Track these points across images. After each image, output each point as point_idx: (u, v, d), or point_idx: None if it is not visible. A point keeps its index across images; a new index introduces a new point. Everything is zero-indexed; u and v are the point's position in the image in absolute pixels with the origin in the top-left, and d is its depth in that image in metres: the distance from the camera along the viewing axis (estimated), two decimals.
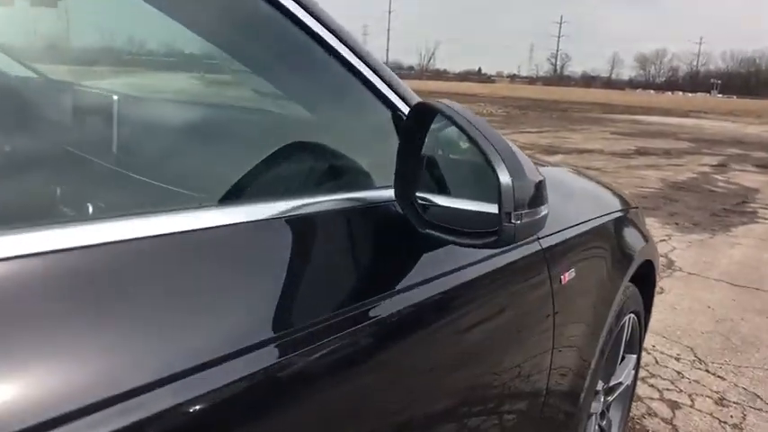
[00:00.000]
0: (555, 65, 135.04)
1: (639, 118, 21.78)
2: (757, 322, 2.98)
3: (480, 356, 0.85)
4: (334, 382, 0.60)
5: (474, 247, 0.71)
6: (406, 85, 0.80)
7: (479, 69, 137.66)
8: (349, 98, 0.78)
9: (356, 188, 0.75)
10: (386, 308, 0.68)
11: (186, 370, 0.47)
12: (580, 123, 17.29)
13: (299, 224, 0.67)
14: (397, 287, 0.71)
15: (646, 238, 1.62)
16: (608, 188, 1.76)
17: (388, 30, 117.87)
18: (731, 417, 2.08)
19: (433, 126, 0.73)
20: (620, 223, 1.44)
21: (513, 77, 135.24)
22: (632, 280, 1.51)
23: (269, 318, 0.56)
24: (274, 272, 0.60)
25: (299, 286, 0.62)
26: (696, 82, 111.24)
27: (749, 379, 2.37)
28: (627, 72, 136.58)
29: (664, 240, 4.48)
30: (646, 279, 1.63)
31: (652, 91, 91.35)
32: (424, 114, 0.73)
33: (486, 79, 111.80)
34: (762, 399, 2.21)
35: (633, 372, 1.71)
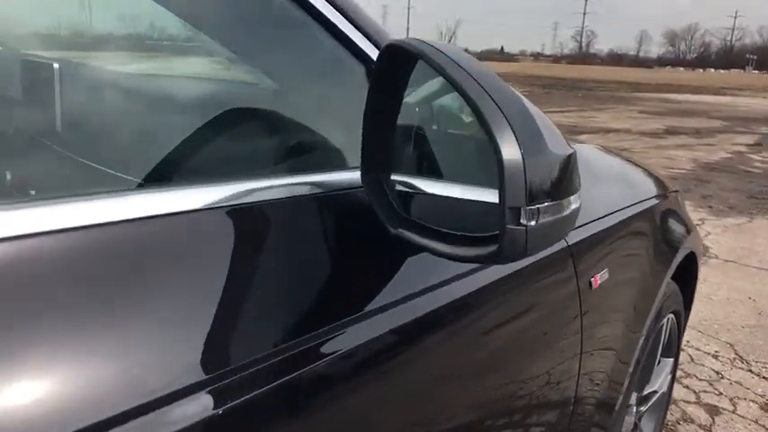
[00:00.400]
0: (580, 42, 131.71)
1: (669, 96, 21.03)
2: None
3: (497, 368, 0.69)
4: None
5: (459, 259, 0.51)
6: (386, 31, 0.61)
7: (502, 48, 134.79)
8: (310, 51, 0.59)
9: (321, 169, 0.57)
10: (388, 321, 0.52)
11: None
12: (606, 102, 16.73)
13: (244, 216, 0.50)
14: (395, 298, 0.54)
15: (688, 227, 1.40)
16: (643, 169, 1.54)
17: (408, 9, 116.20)
18: None
19: (413, 78, 0.53)
20: (659, 211, 1.23)
21: (536, 56, 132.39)
22: (673, 276, 1.31)
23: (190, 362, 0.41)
24: (208, 285, 0.44)
25: (244, 302, 0.45)
26: (730, 58, 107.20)
27: None
28: (655, 49, 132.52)
29: (697, 225, 4.20)
30: (687, 274, 1.43)
31: (681, 68, 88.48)
32: (399, 59, 0.53)
33: (510, 58, 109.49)
34: None
35: (669, 377, 1.51)
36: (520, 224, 0.44)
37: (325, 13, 0.56)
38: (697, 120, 12.56)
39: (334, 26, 0.58)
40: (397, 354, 0.54)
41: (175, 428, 0.37)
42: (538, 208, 0.45)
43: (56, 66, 0.87)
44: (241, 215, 0.49)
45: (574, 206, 0.50)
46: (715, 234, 4.00)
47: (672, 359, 1.50)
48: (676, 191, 1.52)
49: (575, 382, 0.89)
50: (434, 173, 0.57)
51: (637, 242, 1.06)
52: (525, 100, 0.50)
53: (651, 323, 1.13)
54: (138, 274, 0.42)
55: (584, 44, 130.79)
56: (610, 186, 1.11)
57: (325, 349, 0.47)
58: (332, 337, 0.48)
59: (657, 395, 1.44)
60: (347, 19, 0.58)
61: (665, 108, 15.59)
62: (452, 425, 0.63)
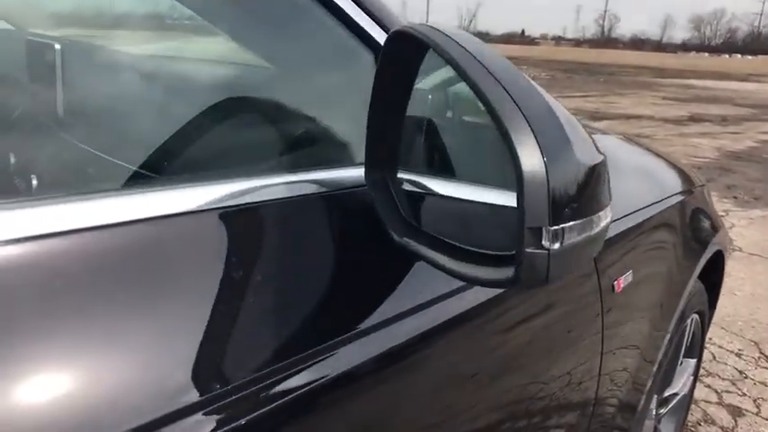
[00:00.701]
0: (602, 26, 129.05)
1: (693, 82, 20.52)
2: None
3: (516, 369, 0.66)
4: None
5: (470, 281, 0.46)
6: (396, 15, 0.55)
7: (523, 32, 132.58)
8: (307, 35, 0.54)
9: (325, 165, 0.52)
10: (399, 330, 0.48)
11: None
12: (629, 88, 16.39)
13: (243, 217, 0.45)
14: (405, 307, 0.50)
15: (716, 223, 1.33)
16: (668, 161, 1.46)
17: None
18: None
19: (424, 66, 0.48)
20: (686, 207, 1.17)
21: (558, 39, 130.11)
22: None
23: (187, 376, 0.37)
24: (201, 293, 0.41)
25: (241, 314, 0.42)
26: (757, 44, 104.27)
27: None
28: (679, 34, 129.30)
29: (721, 216, 4.09)
30: (713, 273, 1.36)
31: (707, 54, 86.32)
32: (408, 48, 0.47)
33: (530, 41, 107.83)
34: None
35: (692, 378, 1.46)
36: (541, 247, 0.39)
37: (338, 2, 0.51)
38: (722, 107, 12.24)
39: (341, 10, 0.52)
40: (412, 361, 0.50)
41: None
42: (563, 228, 0.39)
43: (57, 46, 0.83)
44: (239, 217, 0.45)
45: (604, 222, 0.44)
46: (740, 226, 3.89)
47: (695, 360, 1.44)
48: (703, 185, 1.45)
49: (596, 383, 0.84)
50: (447, 171, 0.52)
51: (663, 240, 1.00)
52: (551, 98, 0.44)
53: (676, 323, 1.07)
54: (127, 282, 0.38)
55: (606, 28, 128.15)
56: (634, 181, 1.04)
57: (327, 364, 0.43)
58: (333, 353, 0.44)
59: (678, 397, 1.39)
60: (354, 2, 0.52)
61: (690, 94, 15.21)
62: (472, 427, 0.59)
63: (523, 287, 0.43)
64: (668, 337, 1.03)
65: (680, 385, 1.38)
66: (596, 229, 0.43)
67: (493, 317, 0.60)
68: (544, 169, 0.38)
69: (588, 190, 0.41)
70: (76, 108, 0.76)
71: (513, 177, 0.39)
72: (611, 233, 0.81)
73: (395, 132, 0.49)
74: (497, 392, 0.63)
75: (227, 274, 0.42)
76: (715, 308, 1.52)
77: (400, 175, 0.50)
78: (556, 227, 0.39)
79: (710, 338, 2.32)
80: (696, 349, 1.43)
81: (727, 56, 79.30)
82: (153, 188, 0.44)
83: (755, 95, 16.02)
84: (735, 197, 4.70)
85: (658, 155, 1.50)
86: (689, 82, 20.61)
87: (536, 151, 0.38)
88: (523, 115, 0.39)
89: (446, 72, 0.52)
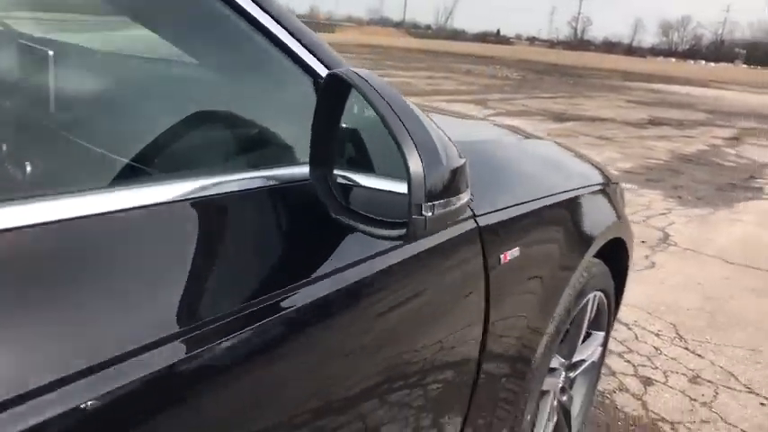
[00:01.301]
0: (575, 29, 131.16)
1: (658, 87, 21.22)
2: (746, 301, 2.95)
3: (405, 336, 0.83)
4: (244, 377, 0.59)
5: (380, 238, 0.67)
6: (332, 50, 0.76)
7: (498, 31, 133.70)
8: (263, 63, 0.74)
9: (270, 165, 0.71)
10: (303, 297, 0.65)
11: (84, 370, 0.46)
12: (597, 90, 16.88)
13: (202, 208, 0.62)
14: (314, 275, 0.68)
15: (619, 215, 1.57)
16: (588, 162, 1.71)
17: None
18: (702, 395, 2.07)
19: (355, 94, 0.68)
20: (588, 198, 1.40)
21: (532, 40, 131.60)
22: (602, 258, 1.48)
23: (167, 315, 0.54)
24: (173, 263, 0.57)
25: (200, 279, 0.59)
26: (720, 51, 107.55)
27: (728, 358, 2.35)
28: (649, 39, 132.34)
29: (663, 214, 4.41)
30: (617, 257, 1.60)
31: (673, 59, 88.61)
32: (339, 84, 0.68)
33: (506, 41, 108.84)
34: (737, 378, 2.20)
35: (600, 348, 1.70)
36: (421, 215, 0.61)
37: (280, 36, 0.71)
38: (682, 111, 12.77)
39: (288, 47, 0.72)
40: (296, 337, 0.65)
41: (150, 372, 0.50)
42: (434, 204, 0.62)
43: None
44: (202, 208, 0.61)
45: (463, 200, 0.66)
46: (679, 224, 4.21)
47: (602, 333, 1.68)
48: (616, 183, 1.69)
49: (482, 344, 1.01)
50: (368, 168, 0.73)
51: (556, 224, 1.22)
52: (433, 124, 0.65)
53: (570, 299, 1.30)
54: (124, 265, 0.53)
55: (579, 31, 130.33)
56: (539, 176, 1.27)
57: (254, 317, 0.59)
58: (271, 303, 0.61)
59: (587, 363, 1.62)
60: (298, 40, 0.72)
61: (653, 98, 15.78)
62: (350, 397, 0.74)
63: (412, 240, 0.64)
64: (562, 309, 1.25)
65: (588, 353, 1.62)
66: (456, 205, 0.65)
67: (392, 282, 0.78)
68: (422, 170, 0.60)
69: (451, 182, 0.64)
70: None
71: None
72: (502, 216, 1.03)
73: (331, 140, 0.70)
74: (392, 354, 0.79)
75: (196, 254, 0.58)
76: (623, 289, 1.76)
77: (335, 171, 0.71)
78: (429, 203, 0.62)
79: (636, 321, 2.60)
80: (603, 323, 1.67)
81: (692, 62, 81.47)
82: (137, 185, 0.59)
83: (713, 101, 16.70)
84: (679, 197, 5.04)
85: (581, 156, 1.74)
86: (655, 86, 21.29)
87: (417, 158, 0.60)
88: (411, 137, 0.61)
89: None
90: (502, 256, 0.97)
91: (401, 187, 0.66)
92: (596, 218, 1.42)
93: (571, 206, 1.28)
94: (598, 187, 1.51)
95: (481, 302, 0.96)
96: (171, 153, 0.70)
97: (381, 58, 23.49)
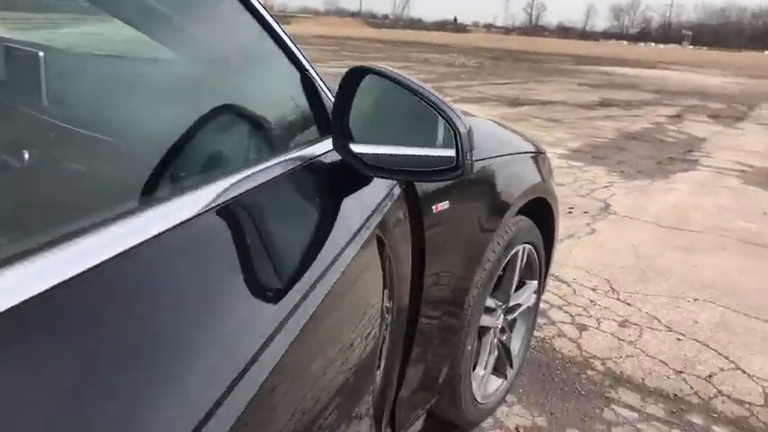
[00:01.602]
0: (531, 15, 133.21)
1: (609, 69, 21.95)
2: (673, 258, 3.29)
3: (360, 281, 0.91)
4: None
5: (440, 180, 1.02)
6: (306, 52, 0.97)
7: (455, 19, 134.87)
8: (255, 62, 0.94)
9: (276, 154, 0.85)
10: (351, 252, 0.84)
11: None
12: (550, 75, 17.40)
13: (232, 210, 0.70)
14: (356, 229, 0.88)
15: (544, 179, 1.83)
16: (520, 135, 1.97)
17: None
18: (629, 335, 2.38)
19: (362, 85, 0.89)
20: (515, 161, 1.65)
21: (489, 27, 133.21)
22: (528, 215, 1.73)
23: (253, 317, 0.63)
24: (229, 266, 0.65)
25: (268, 269, 0.70)
26: (668, 33, 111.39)
27: (653, 305, 2.67)
28: (601, 23, 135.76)
29: (605, 187, 4.77)
30: (543, 215, 1.86)
31: (625, 42, 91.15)
32: (357, 76, 0.89)
33: (463, 29, 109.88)
34: (659, 320, 2.52)
35: (534, 295, 1.96)
36: (468, 160, 0.86)
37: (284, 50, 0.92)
38: (630, 92, 13.34)
39: (280, 50, 0.92)
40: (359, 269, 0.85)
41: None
42: (471, 153, 0.87)
43: None
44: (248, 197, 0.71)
45: (474, 153, 0.90)
46: (619, 195, 4.56)
47: (535, 281, 1.95)
48: (543, 153, 1.96)
49: (420, 288, 1.18)
50: (374, 140, 0.91)
51: (482, 183, 1.46)
52: (449, 102, 0.89)
53: (500, 248, 1.54)
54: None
55: (534, 17, 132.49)
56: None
57: None
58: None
59: (523, 308, 1.89)
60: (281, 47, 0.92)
61: (604, 81, 16.38)
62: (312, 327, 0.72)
63: (467, 176, 0.87)
64: (490, 255, 1.50)
65: (523, 298, 1.88)
66: (476, 156, 0.90)
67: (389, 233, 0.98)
68: (467, 130, 0.85)
69: (473, 141, 0.88)
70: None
71: (429, 137, 0.88)
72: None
73: (347, 120, 0.90)
74: (353, 298, 0.87)
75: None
76: (552, 245, 2.03)
77: (351, 145, 0.90)
78: (470, 152, 0.87)
79: (575, 279, 2.90)
80: (535, 273, 1.93)
81: (642, 44, 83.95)
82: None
83: (660, 82, 17.43)
84: (621, 171, 5.41)
85: (514, 131, 2.00)
86: (606, 69, 22.02)
87: (462, 123, 0.85)
88: (450, 108, 0.85)
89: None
90: (434, 206, 1.20)
91: (416, 151, 0.91)
92: (522, 178, 1.67)
93: (499, 166, 1.53)
94: (526, 155, 1.77)
95: (417, 248, 1.19)
96: (189, 163, 0.78)
97: (339, 48, 23.54)
